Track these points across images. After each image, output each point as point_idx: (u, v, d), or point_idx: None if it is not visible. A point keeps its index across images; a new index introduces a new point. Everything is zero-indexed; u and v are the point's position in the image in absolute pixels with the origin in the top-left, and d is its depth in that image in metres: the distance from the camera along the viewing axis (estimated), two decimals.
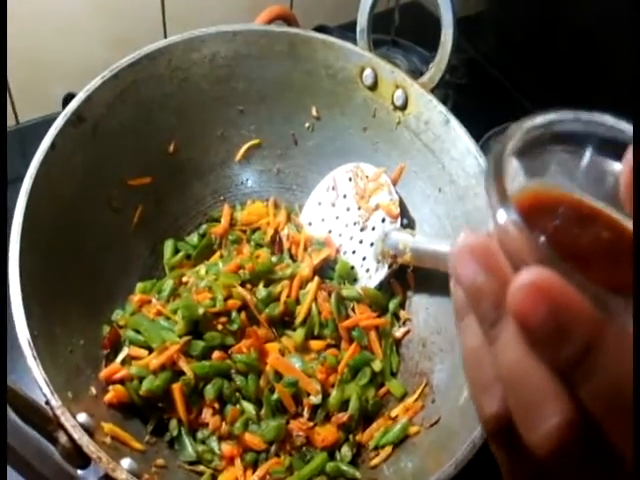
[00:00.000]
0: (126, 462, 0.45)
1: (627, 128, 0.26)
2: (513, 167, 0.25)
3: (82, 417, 0.44)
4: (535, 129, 0.26)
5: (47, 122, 0.61)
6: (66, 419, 0.43)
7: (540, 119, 0.26)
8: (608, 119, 0.26)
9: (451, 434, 0.54)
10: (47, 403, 0.43)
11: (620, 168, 0.26)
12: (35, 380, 0.44)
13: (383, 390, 0.65)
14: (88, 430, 0.44)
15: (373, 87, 0.73)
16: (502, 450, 0.25)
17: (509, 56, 1.09)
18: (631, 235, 0.25)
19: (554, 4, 0.96)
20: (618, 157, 0.26)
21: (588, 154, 0.27)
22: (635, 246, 0.22)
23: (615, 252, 0.25)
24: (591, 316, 0.20)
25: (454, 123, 0.67)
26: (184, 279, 0.68)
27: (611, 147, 0.26)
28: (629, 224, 0.25)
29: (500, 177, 0.23)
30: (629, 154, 0.25)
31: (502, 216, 0.22)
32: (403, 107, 0.72)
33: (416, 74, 0.98)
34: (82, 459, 0.42)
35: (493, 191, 0.23)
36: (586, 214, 0.26)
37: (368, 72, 0.73)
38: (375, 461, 0.58)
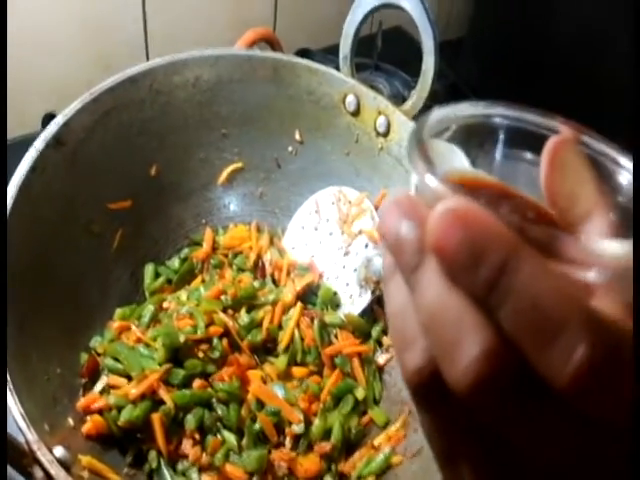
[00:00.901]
0: None
1: (533, 119, 0.27)
2: (439, 147, 0.26)
3: (59, 451, 0.43)
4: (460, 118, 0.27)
5: (25, 141, 0.60)
6: (42, 454, 0.41)
7: (466, 108, 0.27)
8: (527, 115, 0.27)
9: (433, 464, 0.53)
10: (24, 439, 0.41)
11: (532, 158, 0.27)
12: (10, 412, 0.43)
13: (366, 418, 0.64)
14: (65, 465, 0.42)
15: (356, 113, 0.74)
16: (428, 408, 0.23)
17: (490, 82, 1.10)
18: (553, 217, 0.26)
19: (536, 30, 0.97)
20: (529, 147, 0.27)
21: (501, 146, 0.28)
22: (635, 248, 0.21)
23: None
24: (507, 236, 0.19)
25: None
26: (165, 304, 0.67)
27: (522, 138, 0.27)
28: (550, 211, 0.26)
29: (423, 144, 0.24)
30: (549, 144, 0.25)
31: (429, 178, 0.22)
32: (385, 133, 0.72)
33: (398, 98, 0.99)
34: None
35: (418, 158, 0.23)
36: (509, 197, 0.26)
37: (351, 98, 0.73)
38: None
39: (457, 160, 0.27)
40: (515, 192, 0.26)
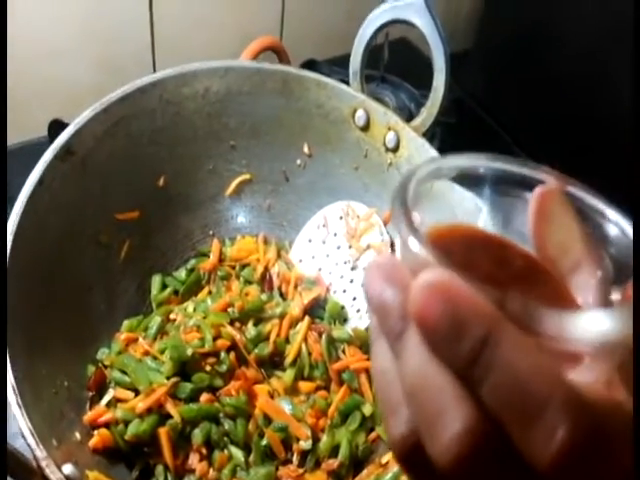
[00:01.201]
0: None
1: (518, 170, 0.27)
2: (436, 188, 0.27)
3: (67, 469, 0.42)
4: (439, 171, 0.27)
5: (31, 147, 0.60)
6: (51, 471, 0.41)
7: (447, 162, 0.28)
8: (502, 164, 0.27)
9: None
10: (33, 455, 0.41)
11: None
12: (19, 428, 0.42)
13: (373, 435, 0.63)
14: None
15: (365, 128, 0.73)
16: (413, 474, 0.23)
17: (496, 96, 1.10)
18: (538, 263, 0.26)
19: (543, 43, 0.97)
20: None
21: (488, 192, 0.28)
22: (635, 249, 0.22)
23: (523, 277, 0.26)
24: (487, 311, 0.20)
25: None
26: (172, 316, 0.67)
27: (508, 185, 0.27)
28: (535, 253, 0.26)
29: (407, 207, 0.24)
30: (535, 193, 0.26)
31: (412, 242, 0.22)
32: (395, 149, 0.72)
33: (404, 111, 0.99)
34: None
35: (402, 221, 0.23)
36: (495, 245, 0.26)
37: (360, 113, 0.73)
38: None
39: (456, 198, 0.28)
40: (504, 241, 0.26)
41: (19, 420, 0.42)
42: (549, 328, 0.20)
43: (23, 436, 0.42)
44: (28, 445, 0.41)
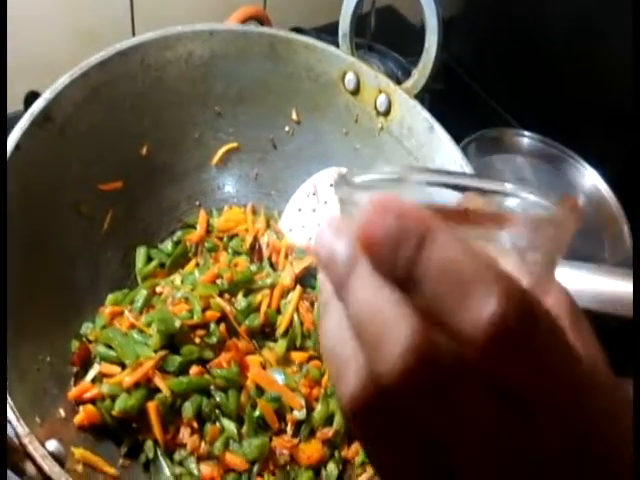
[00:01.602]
0: None
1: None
2: None
3: (52, 445, 0.40)
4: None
5: (8, 121, 0.57)
6: (34, 448, 0.39)
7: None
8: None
9: None
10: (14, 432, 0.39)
11: None
12: None
13: None
14: (59, 459, 0.40)
15: (355, 92, 0.71)
16: (375, 436, 0.22)
17: (483, 62, 1.07)
18: None
19: (531, 8, 0.95)
20: None
21: None
22: (635, 249, 0.21)
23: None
24: (424, 215, 0.20)
25: (438, 130, 0.65)
26: (158, 289, 0.65)
27: None
28: None
29: (346, 178, 0.24)
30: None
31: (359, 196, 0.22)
32: (386, 113, 0.70)
33: (392, 79, 0.97)
34: None
35: (344, 185, 0.23)
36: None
37: (350, 76, 0.71)
38: (362, 478, 0.56)
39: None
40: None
41: None
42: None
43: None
44: (9, 422, 0.39)
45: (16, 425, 0.39)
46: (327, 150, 0.74)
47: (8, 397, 0.40)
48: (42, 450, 0.39)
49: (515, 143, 0.91)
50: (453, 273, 0.19)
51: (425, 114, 0.66)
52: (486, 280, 0.19)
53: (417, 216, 0.20)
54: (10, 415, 0.39)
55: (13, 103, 0.85)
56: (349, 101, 0.72)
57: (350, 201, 0.23)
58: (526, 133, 0.91)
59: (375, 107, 0.70)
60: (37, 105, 0.58)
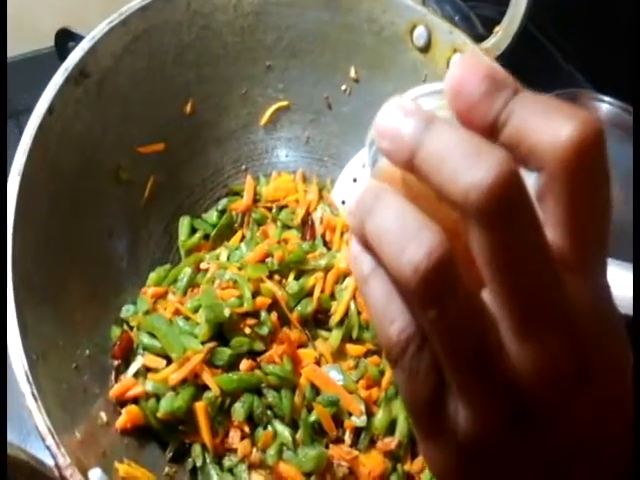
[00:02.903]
0: None
1: None
2: None
3: (95, 475, 0.35)
4: None
5: (36, 58, 0.50)
6: None
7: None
8: None
9: None
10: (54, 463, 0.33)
11: None
12: (35, 426, 0.34)
13: None
14: None
15: (425, 49, 0.62)
16: (406, 376, 0.20)
17: (556, 16, 0.97)
18: None
19: None
20: None
21: None
22: (635, 246, 0.22)
23: None
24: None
25: None
26: (202, 265, 0.59)
27: None
28: None
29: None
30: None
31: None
32: None
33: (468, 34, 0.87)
34: None
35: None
36: None
37: (420, 30, 0.62)
38: None
39: None
40: None
41: (35, 417, 0.34)
42: None
43: (41, 436, 0.34)
44: (47, 447, 0.34)
45: (56, 453, 0.34)
46: None
47: (45, 416, 0.34)
48: None
49: (592, 108, 0.82)
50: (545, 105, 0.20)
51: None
52: (566, 111, 0.19)
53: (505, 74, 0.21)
54: (49, 440, 0.34)
55: (42, 39, 0.78)
56: (417, 59, 0.63)
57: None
58: (605, 98, 0.82)
59: (448, 66, 0.62)
60: (72, 58, 0.51)
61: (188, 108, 0.62)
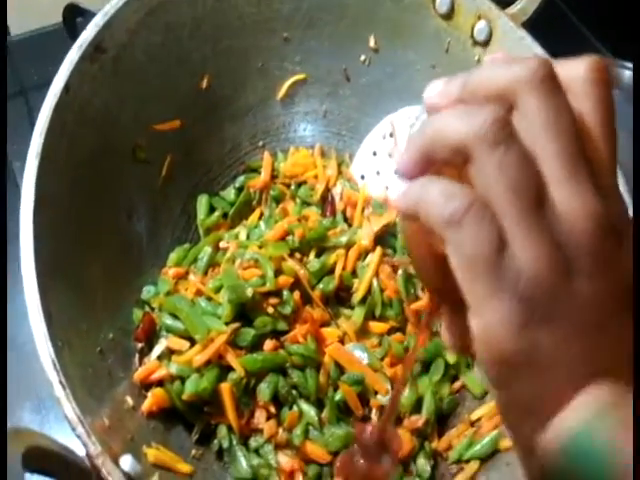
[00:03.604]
0: None
1: None
2: None
3: (126, 462, 0.35)
4: None
5: (42, 35, 0.49)
6: (108, 472, 0.33)
7: None
8: None
9: None
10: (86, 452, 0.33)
11: None
12: (64, 415, 0.34)
13: (457, 385, 0.56)
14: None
15: (448, 15, 0.60)
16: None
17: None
18: None
19: None
20: None
21: None
22: (635, 246, 0.22)
23: None
24: None
25: None
26: (222, 244, 0.58)
27: None
28: None
29: None
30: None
31: None
32: (485, 43, 0.59)
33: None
34: None
35: None
36: None
37: None
38: (460, 479, 0.50)
39: None
40: None
41: (64, 405, 0.34)
42: None
43: (71, 425, 0.33)
44: (78, 436, 0.33)
45: (87, 442, 0.33)
46: (409, 85, 0.64)
47: (74, 404, 0.34)
48: (118, 474, 0.33)
49: (614, 75, 0.79)
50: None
51: (537, 48, 0.56)
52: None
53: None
54: (79, 429, 0.33)
55: (49, 16, 0.76)
56: (440, 27, 0.61)
57: None
58: (627, 64, 0.79)
59: (472, 35, 0.60)
60: (87, 34, 0.49)
61: (204, 83, 0.61)
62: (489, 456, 0.50)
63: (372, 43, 0.64)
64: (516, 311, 0.21)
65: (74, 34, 0.49)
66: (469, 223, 0.21)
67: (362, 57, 0.65)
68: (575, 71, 0.23)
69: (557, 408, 0.22)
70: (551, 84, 0.22)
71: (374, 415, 0.51)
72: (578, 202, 0.21)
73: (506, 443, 0.50)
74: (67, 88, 0.46)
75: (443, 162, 0.23)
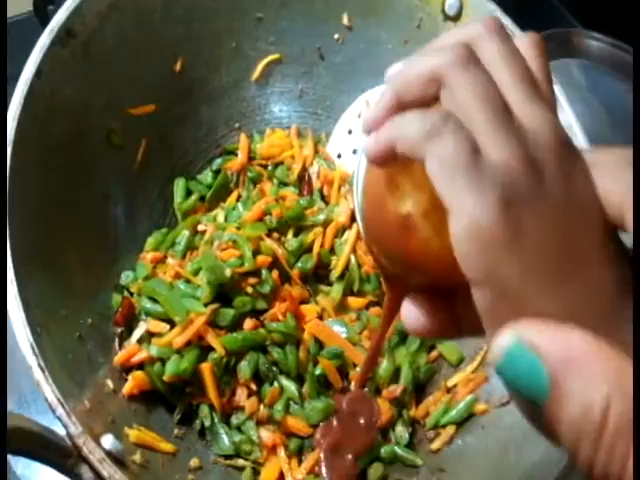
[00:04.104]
0: None
1: None
2: None
3: (108, 441, 0.35)
4: None
5: (14, 24, 0.49)
6: (90, 450, 0.34)
7: None
8: None
9: None
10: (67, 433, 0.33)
11: None
12: (44, 398, 0.35)
13: (434, 354, 0.57)
14: (117, 458, 0.35)
15: None
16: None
17: None
18: None
19: None
20: None
21: None
22: (635, 244, 0.22)
23: None
24: None
25: None
26: (200, 227, 0.58)
27: None
28: None
29: None
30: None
31: None
32: (456, 17, 0.60)
33: None
34: None
35: None
36: None
37: None
38: (436, 444, 0.52)
39: None
40: None
41: (43, 388, 0.35)
42: None
43: (51, 407, 0.34)
44: (58, 418, 0.34)
45: (67, 423, 0.34)
46: (382, 62, 0.63)
47: (54, 386, 0.35)
48: (99, 452, 0.34)
49: (583, 46, 0.80)
50: None
51: (507, 22, 0.56)
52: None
53: None
54: (59, 410, 0.34)
55: (20, 4, 0.76)
56: (411, 3, 0.61)
57: None
58: (595, 35, 0.80)
59: (443, 10, 0.60)
60: (57, 19, 0.49)
61: (178, 66, 0.61)
62: (465, 420, 0.52)
63: (346, 21, 0.64)
64: (499, 196, 0.22)
65: (45, 22, 0.49)
66: (448, 132, 0.23)
67: (336, 36, 0.65)
68: (519, 39, 0.26)
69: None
70: (504, 33, 0.25)
71: (353, 387, 0.52)
72: (540, 119, 0.24)
73: (481, 407, 0.51)
74: (38, 74, 0.46)
75: (414, 101, 0.25)
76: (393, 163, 0.25)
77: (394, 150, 0.24)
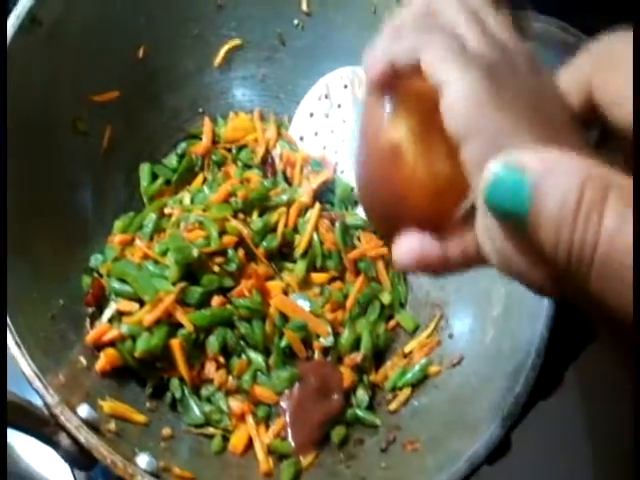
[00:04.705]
0: (143, 460, 0.40)
1: None
2: None
3: (84, 410, 0.38)
4: None
5: None
6: (67, 419, 0.36)
7: None
8: None
9: (483, 381, 0.50)
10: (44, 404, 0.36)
11: None
12: (22, 373, 0.37)
13: (392, 323, 0.60)
14: (93, 425, 0.37)
15: None
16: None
17: None
18: None
19: None
20: None
21: None
22: (635, 244, 0.22)
23: None
24: None
25: None
26: (167, 210, 0.60)
27: None
28: None
29: None
30: None
31: None
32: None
33: None
34: (89, 460, 0.36)
35: None
36: None
37: None
38: (394, 405, 0.55)
39: None
40: None
41: (20, 362, 0.37)
42: None
43: (28, 380, 0.36)
44: (36, 390, 0.36)
45: (44, 394, 0.36)
46: (341, 46, 0.67)
47: (30, 360, 0.37)
48: (76, 420, 0.37)
49: (530, 28, 0.83)
50: None
51: None
52: None
53: None
54: (36, 383, 0.36)
55: None
56: None
57: None
58: (541, 17, 0.83)
59: None
60: (21, 6, 0.50)
61: (141, 53, 0.62)
62: (420, 382, 0.55)
63: (304, 6, 0.66)
64: (483, 71, 0.26)
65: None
66: (437, 31, 0.28)
67: (295, 21, 0.67)
68: None
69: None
70: None
71: (317, 356, 0.55)
72: (507, 33, 0.29)
73: (434, 369, 0.55)
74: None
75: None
76: (391, 81, 0.28)
77: (393, 64, 0.28)
